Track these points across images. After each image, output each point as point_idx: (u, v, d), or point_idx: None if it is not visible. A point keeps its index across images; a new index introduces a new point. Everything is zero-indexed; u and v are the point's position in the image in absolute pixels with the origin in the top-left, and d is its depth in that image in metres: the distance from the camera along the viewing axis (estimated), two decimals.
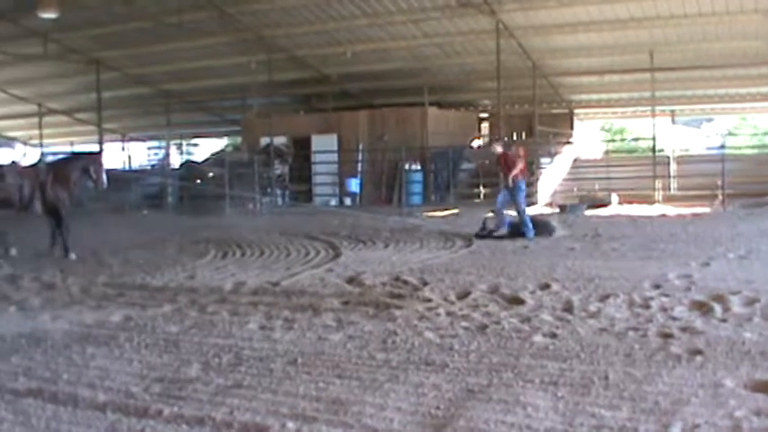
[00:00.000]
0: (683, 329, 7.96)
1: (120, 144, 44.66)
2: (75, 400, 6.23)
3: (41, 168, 16.30)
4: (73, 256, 15.57)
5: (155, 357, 7.55)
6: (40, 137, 41.96)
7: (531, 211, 23.93)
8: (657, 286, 10.45)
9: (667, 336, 7.71)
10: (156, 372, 7.01)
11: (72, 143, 41.24)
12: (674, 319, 8.52)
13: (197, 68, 33.85)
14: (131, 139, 45.44)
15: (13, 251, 15.83)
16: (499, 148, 18.40)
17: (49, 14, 25.12)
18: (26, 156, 21.10)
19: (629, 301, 9.48)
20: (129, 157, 42.94)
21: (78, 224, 21.34)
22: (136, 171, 38.40)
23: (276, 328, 8.66)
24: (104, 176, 16.77)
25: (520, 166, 17.50)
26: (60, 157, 18.76)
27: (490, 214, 18.52)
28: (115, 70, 34.98)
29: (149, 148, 46.27)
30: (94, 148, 28.56)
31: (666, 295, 9.81)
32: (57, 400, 6.27)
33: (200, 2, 26.74)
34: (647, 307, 9.16)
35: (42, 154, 20.42)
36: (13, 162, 17.84)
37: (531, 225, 17.20)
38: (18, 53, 31.66)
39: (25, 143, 47.17)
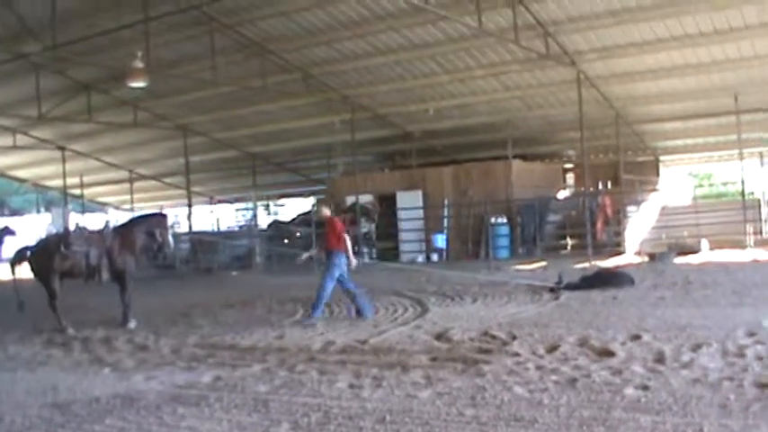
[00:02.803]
0: None
1: (208, 206, 45.50)
2: None
3: (108, 234, 15.93)
4: (132, 324, 15.10)
5: (244, 417, 7.63)
6: (131, 201, 43.09)
7: (615, 261, 23.75)
8: (752, 334, 10.22)
9: (764, 386, 7.52)
10: (245, 431, 7.06)
11: (161, 207, 42.09)
12: None
13: (281, 130, 34.40)
14: (219, 201, 46.23)
15: (132, 324, 15.20)
16: (327, 212, 15.58)
17: (138, 84, 25.88)
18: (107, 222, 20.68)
19: (723, 350, 9.28)
20: (218, 220, 43.68)
21: (169, 286, 21.78)
22: (224, 233, 38.99)
23: (365, 387, 8.66)
24: (170, 238, 16.48)
25: (345, 237, 14.88)
26: (125, 221, 18.22)
27: (577, 265, 18.07)
28: (202, 135, 35.77)
29: (237, 210, 47.02)
30: (157, 209, 28.75)
31: (762, 343, 9.59)
32: None
33: (283, 65, 27.25)
34: (742, 356, 8.96)
35: (107, 221, 20.16)
36: (80, 228, 17.82)
37: (322, 306, 14.76)
38: (110, 122, 32.64)
39: (117, 208, 48.43)
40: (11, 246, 21.89)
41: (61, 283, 15.32)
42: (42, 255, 15.42)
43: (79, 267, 15.40)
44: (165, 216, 17.31)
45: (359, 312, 14.86)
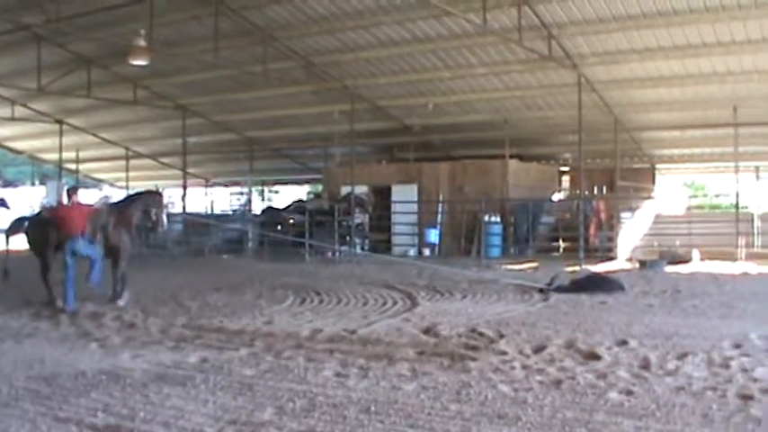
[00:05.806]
0: (765, 391, 7.79)
1: (203, 189, 45.47)
2: None
3: (103, 210, 15.91)
4: (122, 302, 15.08)
5: (229, 399, 7.65)
6: (127, 180, 43.00)
7: (606, 266, 23.77)
8: (738, 346, 10.24)
9: (747, 397, 7.56)
10: (229, 414, 7.09)
11: (156, 186, 42.06)
12: (754, 380, 8.34)
13: (280, 116, 34.39)
14: (214, 185, 46.21)
15: (122, 301, 15.19)
16: (77, 198, 15.26)
17: (140, 62, 25.85)
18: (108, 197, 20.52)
19: (708, 360, 9.32)
20: (212, 202, 43.66)
21: (159, 266, 21.79)
22: (218, 216, 38.99)
23: (351, 376, 8.70)
24: (165, 218, 16.58)
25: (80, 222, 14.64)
26: (122, 198, 18.26)
27: (569, 269, 18.04)
28: (200, 116, 35.71)
29: (232, 194, 47.01)
30: (154, 188, 28.80)
31: (747, 355, 9.62)
32: None
33: (285, 52, 27.22)
34: (727, 367, 8.99)
35: (104, 196, 20.06)
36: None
37: (72, 291, 14.45)
38: (109, 98, 32.53)
39: (112, 185, 48.38)
40: (3, 218, 21.87)
41: (54, 256, 15.33)
42: (39, 227, 15.44)
43: None
44: (160, 194, 17.31)
45: (64, 300, 14.42)
